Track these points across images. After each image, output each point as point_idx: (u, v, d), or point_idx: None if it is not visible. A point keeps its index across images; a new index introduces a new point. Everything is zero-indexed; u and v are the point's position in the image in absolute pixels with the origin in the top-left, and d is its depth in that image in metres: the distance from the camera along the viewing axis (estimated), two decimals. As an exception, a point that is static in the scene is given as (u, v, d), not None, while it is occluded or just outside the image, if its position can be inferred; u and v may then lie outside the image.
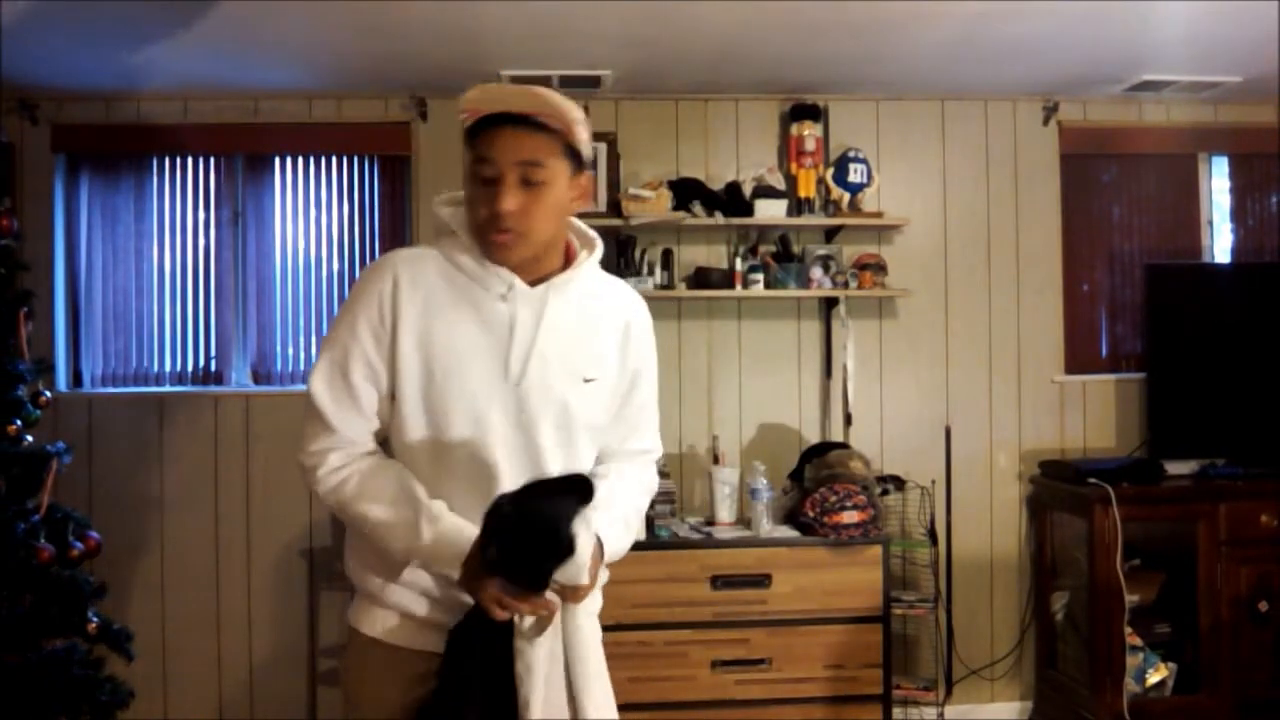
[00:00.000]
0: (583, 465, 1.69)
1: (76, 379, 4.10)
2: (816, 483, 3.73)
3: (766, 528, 3.69)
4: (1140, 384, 4.25)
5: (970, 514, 4.22)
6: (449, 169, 4.07)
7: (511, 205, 1.56)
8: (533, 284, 1.64)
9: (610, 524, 1.65)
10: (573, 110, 1.59)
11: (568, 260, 1.71)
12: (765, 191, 4.00)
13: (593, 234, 1.76)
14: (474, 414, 1.60)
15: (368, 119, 4.08)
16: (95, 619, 3.11)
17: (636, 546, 3.95)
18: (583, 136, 1.62)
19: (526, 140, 1.57)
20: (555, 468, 1.63)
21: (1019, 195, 4.28)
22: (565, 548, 1.45)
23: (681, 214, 3.95)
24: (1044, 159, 4.29)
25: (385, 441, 1.69)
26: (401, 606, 1.65)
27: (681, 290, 4.03)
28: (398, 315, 1.60)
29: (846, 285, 4.05)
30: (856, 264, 4.09)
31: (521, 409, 1.62)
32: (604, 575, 1.69)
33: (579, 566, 1.48)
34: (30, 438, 3.17)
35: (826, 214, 4.11)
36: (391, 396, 1.63)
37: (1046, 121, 4.28)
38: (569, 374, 1.65)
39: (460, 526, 1.57)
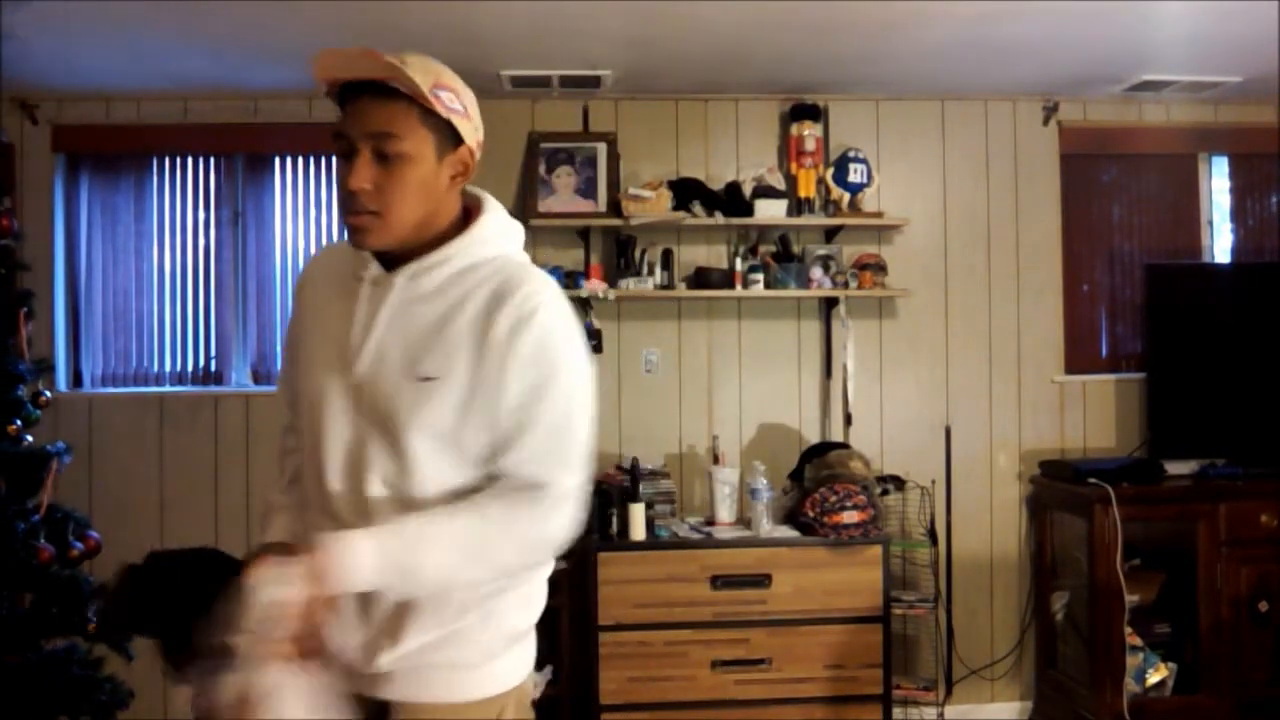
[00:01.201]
0: (423, 474, 1.44)
1: (76, 379, 4.10)
2: (816, 483, 3.73)
3: (766, 528, 3.69)
4: (1140, 384, 4.25)
5: (970, 514, 4.22)
6: (449, 169, 4.07)
7: (362, 182, 1.40)
8: (390, 268, 1.50)
9: (385, 559, 1.36)
10: (425, 73, 1.40)
11: None
12: (765, 191, 4.00)
13: (489, 211, 1.53)
14: (315, 407, 1.50)
15: (368, 119, 4.08)
16: (95, 619, 3.11)
17: (637, 546, 3.95)
18: (449, 103, 1.43)
19: (379, 109, 1.40)
20: (378, 473, 1.45)
21: (1019, 195, 4.28)
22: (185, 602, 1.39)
23: (681, 214, 3.95)
24: (1044, 159, 4.29)
25: None
26: None
27: (681, 290, 4.03)
28: (299, 310, 1.62)
29: (846, 285, 4.05)
30: (856, 264, 4.09)
31: (357, 405, 1.47)
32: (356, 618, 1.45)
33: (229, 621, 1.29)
34: (30, 438, 3.17)
35: (826, 214, 4.11)
36: None
37: (1046, 121, 4.28)
38: (404, 370, 1.44)
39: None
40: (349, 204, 1.42)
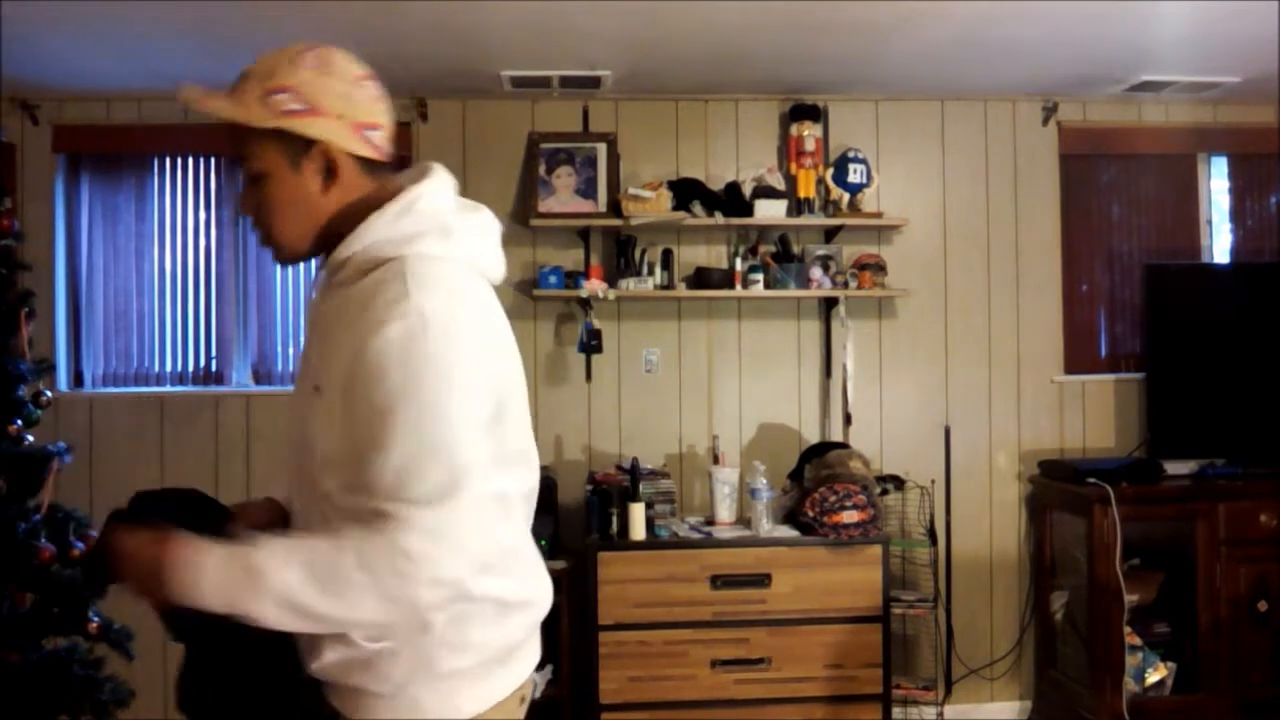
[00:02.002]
0: (325, 510, 1.34)
1: (77, 379, 4.11)
2: (816, 482, 3.73)
3: (766, 527, 3.70)
4: (1139, 384, 4.26)
5: (970, 514, 4.22)
6: (449, 169, 4.05)
7: (244, 210, 1.41)
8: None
9: (227, 560, 1.26)
10: (258, 80, 1.35)
11: None
12: (765, 192, 4.01)
13: (387, 212, 1.38)
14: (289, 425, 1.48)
15: (368, 119, 4.08)
16: (96, 618, 3.11)
17: (637, 546, 3.94)
18: (284, 106, 1.33)
19: (233, 135, 1.37)
20: (296, 491, 1.43)
21: (1018, 195, 4.29)
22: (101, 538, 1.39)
23: (681, 214, 3.95)
24: (1043, 159, 4.29)
25: None
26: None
27: (681, 290, 4.03)
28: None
29: (846, 285, 4.06)
30: (856, 264, 4.09)
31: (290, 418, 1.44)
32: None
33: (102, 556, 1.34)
34: (31, 438, 3.17)
35: (826, 214, 4.12)
36: None
37: (1046, 122, 4.29)
38: (305, 382, 1.40)
39: None
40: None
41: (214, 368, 4.15)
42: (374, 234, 1.36)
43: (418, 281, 1.30)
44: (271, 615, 1.25)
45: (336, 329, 1.34)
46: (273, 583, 1.23)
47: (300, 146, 1.35)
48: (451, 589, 1.29)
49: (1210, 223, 4.42)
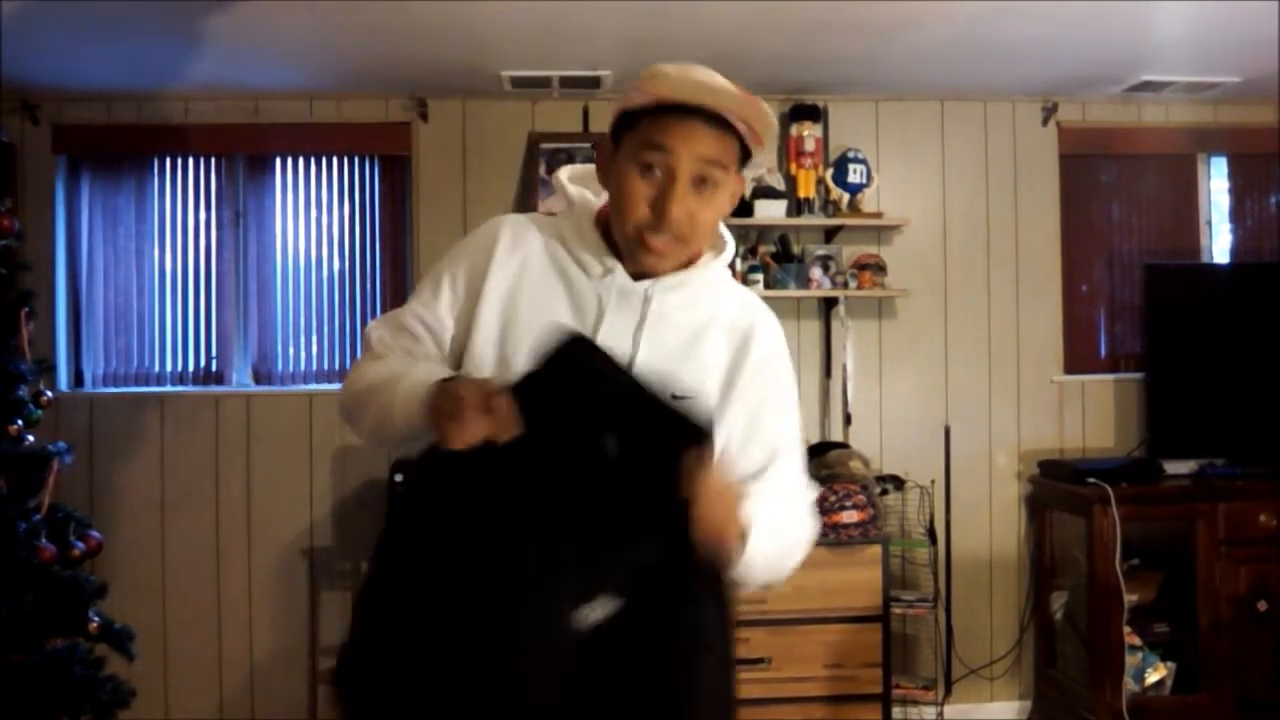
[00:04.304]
0: None
1: (78, 379, 4.11)
2: (816, 482, 3.73)
3: (766, 527, 3.69)
4: (1139, 384, 4.26)
5: (969, 514, 4.23)
6: (449, 169, 4.08)
7: (683, 211, 1.36)
8: (635, 278, 1.44)
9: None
10: (771, 119, 1.41)
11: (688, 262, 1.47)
12: (765, 192, 4.01)
13: (725, 235, 1.54)
14: None
15: (368, 119, 4.09)
16: (96, 618, 3.12)
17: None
18: (767, 148, 1.45)
19: (714, 138, 1.36)
20: None
21: (1018, 196, 4.29)
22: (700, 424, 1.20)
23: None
24: (1043, 159, 4.29)
25: None
26: None
27: (681, 290, 4.02)
28: (487, 276, 1.45)
29: (846, 285, 4.06)
30: (856, 264, 4.09)
31: None
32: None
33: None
34: (31, 437, 3.18)
35: (826, 214, 4.12)
36: (459, 356, 1.45)
37: (1046, 122, 4.29)
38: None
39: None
40: (658, 225, 1.36)
41: (214, 368, 4.15)
42: (727, 255, 1.55)
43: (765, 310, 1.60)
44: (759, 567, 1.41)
45: (705, 340, 1.47)
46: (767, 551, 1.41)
47: (738, 174, 1.45)
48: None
49: (1210, 223, 4.42)
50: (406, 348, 1.46)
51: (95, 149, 4.08)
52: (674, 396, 1.27)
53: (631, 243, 1.39)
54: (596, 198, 1.50)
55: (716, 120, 1.35)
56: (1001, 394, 4.28)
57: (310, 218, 4.19)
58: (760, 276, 3.97)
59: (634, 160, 1.37)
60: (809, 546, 1.52)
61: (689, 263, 1.46)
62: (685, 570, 1.23)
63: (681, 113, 1.34)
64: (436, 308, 1.47)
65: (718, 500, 1.22)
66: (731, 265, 1.57)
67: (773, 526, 1.38)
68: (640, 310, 1.43)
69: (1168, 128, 4.34)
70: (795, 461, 1.50)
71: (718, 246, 1.52)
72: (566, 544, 1.18)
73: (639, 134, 1.37)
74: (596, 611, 1.21)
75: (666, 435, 1.18)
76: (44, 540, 3.03)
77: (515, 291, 1.44)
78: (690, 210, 1.37)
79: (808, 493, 1.52)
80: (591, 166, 1.50)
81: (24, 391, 3.14)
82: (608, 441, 1.18)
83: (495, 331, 1.43)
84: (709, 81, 1.36)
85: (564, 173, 1.53)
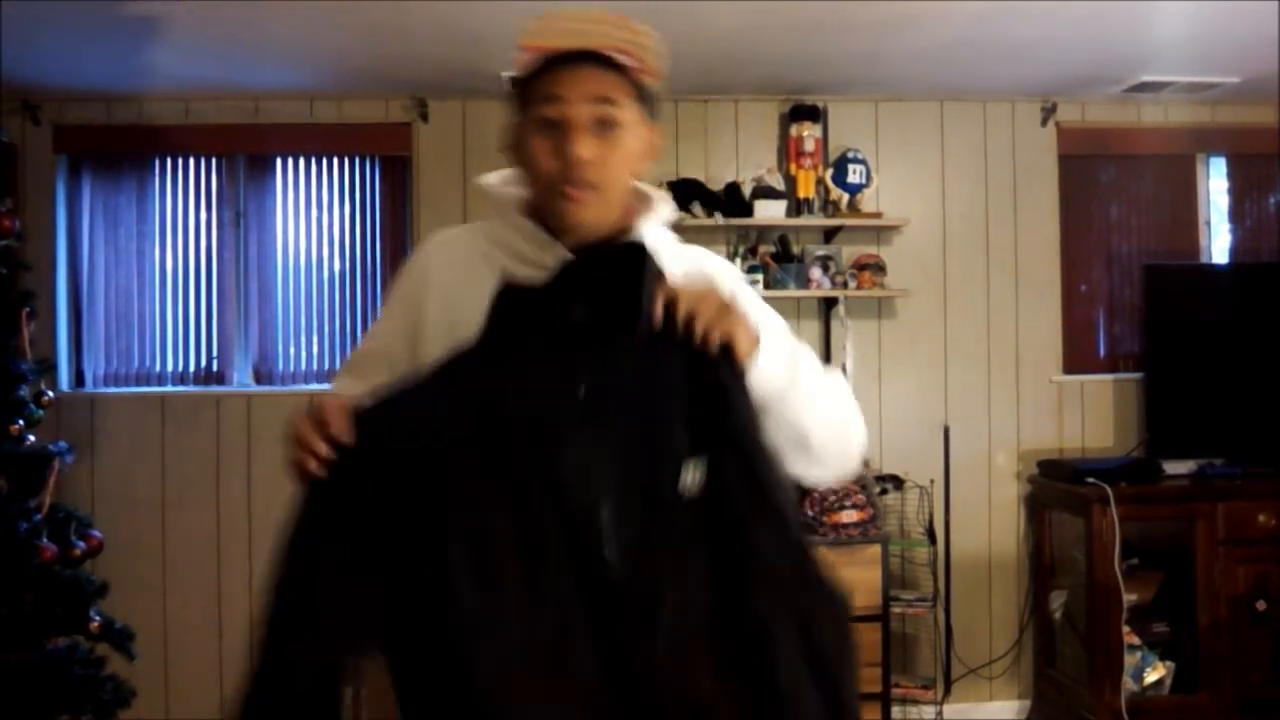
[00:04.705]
0: None
1: (79, 379, 4.11)
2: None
3: (766, 527, 3.70)
4: (1138, 384, 4.27)
5: (969, 513, 4.23)
6: (450, 169, 4.08)
7: (587, 152, 1.32)
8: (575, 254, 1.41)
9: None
10: (648, 39, 1.37)
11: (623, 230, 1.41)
12: (764, 192, 4.02)
13: (655, 194, 1.47)
14: None
15: (369, 120, 4.10)
16: (97, 618, 3.13)
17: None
18: (658, 74, 1.39)
19: (601, 76, 1.33)
20: None
21: (1018, 196, 4.29)
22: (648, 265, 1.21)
23: (681, 214, 3.96)
24: (1042, 160, 4.30)
25: None
26: None
27: (681, 290, 4.03)
28: (425, 298, 1.44)
29: (845, 285, 4.06)
30: (855, 264, 4.10)
31: None
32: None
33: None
34: (33, 437, 3.18)
35: (826, 214, 4.12)
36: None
37: (1045, 122, 4.29)
38: None
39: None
40: (569, 174, 1.33)
41: (215, 367, 4.15)
42: (662, 216, 1.46)
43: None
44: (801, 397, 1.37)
45: None
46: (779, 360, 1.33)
47: (648, 117, 1.40)
48: None
49: (1209, 223, 4.43)
50: (371, 383, 1.42)
51: (96, 149, 4.09)
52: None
53: (551, 199, 1.36)
54: (521, 190, 1.46)
55: (600, 60, 1.32)
56: (1001, 394, 4.28)
57: (310, 218, 4.19)
58: (760, 276, 3.98)
59: (533, 123, 1.35)
60: (861, 427, 1.53)
61: (622, 231, 1.40)
62: (730, 398, 1.21)
63: (561, 62, 1.33)
64: (385, 338, 1.49)
65: (703, 302, 1.24)
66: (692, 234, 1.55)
67: (802, 360, 1.38)
68: None
69: (1167, 128, 4.34)
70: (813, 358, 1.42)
71: (648, 208, 1.45)
72: (611, 431, 1.19)
73: (529, 97, 1.35)
74: (691, 475, 1.19)
75: (623, 273, 1.22)
76: (45, 540, 3.04)
77: (455, 306, 1.40)
78: (595, 151, 1.33)
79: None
80: (503, 171, 1.48)
81: (25, 391, 3.15)
82: (576, 310, 1.21)
83: (444, 336, 1.39)
84: (574, 25, 1.34)
85: (489, 177, 1.49)
